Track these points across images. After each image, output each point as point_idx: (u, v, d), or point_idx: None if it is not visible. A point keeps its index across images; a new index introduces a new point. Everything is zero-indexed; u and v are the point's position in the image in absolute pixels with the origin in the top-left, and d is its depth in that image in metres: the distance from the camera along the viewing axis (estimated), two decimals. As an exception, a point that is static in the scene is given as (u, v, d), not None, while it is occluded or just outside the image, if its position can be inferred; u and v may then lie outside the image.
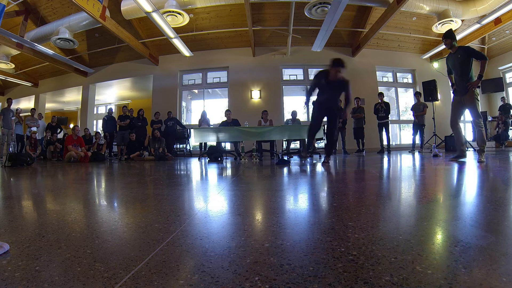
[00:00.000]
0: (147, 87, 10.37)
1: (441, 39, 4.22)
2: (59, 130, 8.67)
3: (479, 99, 3.51)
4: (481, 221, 0.99)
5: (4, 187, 2.44)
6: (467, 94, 3.47)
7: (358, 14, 8.04)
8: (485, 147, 3.48)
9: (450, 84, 3.82)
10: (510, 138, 7.86)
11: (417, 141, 7.19)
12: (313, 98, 4.04)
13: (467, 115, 3.70)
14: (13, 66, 9.24)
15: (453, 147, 6.26)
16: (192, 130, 7.38)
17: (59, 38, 7.13)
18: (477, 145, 3.57)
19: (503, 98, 8.53)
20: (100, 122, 9.49)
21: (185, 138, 8.70)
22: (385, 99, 7.66)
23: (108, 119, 8.27)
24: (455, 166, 3.01)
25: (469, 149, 6.30)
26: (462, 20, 7.45)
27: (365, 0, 6.96)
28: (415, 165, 3.52)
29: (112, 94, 12.44)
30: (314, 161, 4.76)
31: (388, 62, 9.48)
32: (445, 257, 0.69)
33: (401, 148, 8.93)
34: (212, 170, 3.74)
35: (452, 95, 3.82)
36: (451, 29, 3.79)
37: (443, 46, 8.37)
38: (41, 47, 7.40)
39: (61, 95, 11.82)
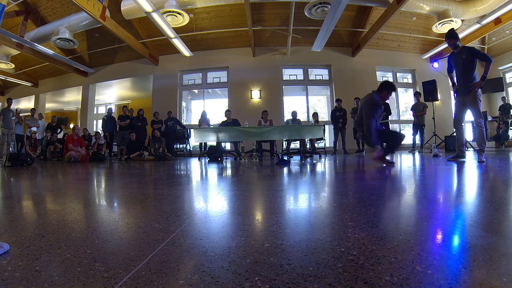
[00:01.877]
0: (147, 87, 10.38)
1: (441, 39, 4.25)
2: (59, 130, 8.66)
3: (481, 99, 3.51)
4: (481, 221, 0.99)
5: (4, 187, 2.44)
6: (470, 94, 3.48)
7: (358, 14, 8.05)
8: (485, 147, 3.49)
9: (451, 83, 3.81)
10: (510, 138, 7.86)
11: (417, 141, 7.20)
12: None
13: (468, 115, 3.69)
14: (13, 66, 9.24)
15: (453, 147, 6.26)
16: (192, 130, 7.38)
17: (59, 38, 7.13)
18: (477, 145, 3.57)
19: (503, 98, 8.52)
20: (100, 122, 9.51)
21: (185, 138, 8.71)
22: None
23: (108, 119, 8.28)
24: (455, 167, 3.01)
25: (469, 149, 6.30)
26: (462, 20, 7.44)
27: (365, 0, 6.96)
28: (415, 165, 3.52)
29: (112, 94, 12.44)
30: (314, 161, 4.76)
31: (388, 62, 9.48)
32: (445, 257, 0.69)
33: (401, 148, 8.91)
34: (212, 170, 3.74)
35: (452, 94, 3.80)
36: (453, 29, 3.75)
37: (443, 46, 8.43)
38: (41, 47, 7.40)
39: (61, 95, 11.83)
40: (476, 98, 3.44)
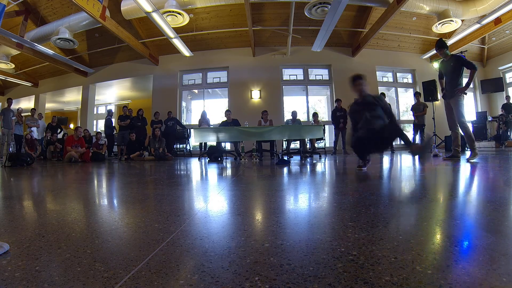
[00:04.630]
0: (147, 87, 10.38)
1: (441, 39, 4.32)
2: (59, 130, 8.67)
3: (463, 103, 3.68)
4: (481, 221, 0.99)
5: (4, 187, 2.44)
6: (453, 97, 3.71)
7: (358, 14, 8.05)
8: (475, 145, 3.62)
9: (440, 89, 4.05)
10: (510, 138, 7.84)
11: (418, 141, 7.19)
12: None
13: (467, 116, 3.80)
14: (13, 66, 9.24)
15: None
16: (192, 130, 7.38)
17: (59, 38, 7.13)
18: (467, 144, 3.78)
19: (507, 97, 8.47)
20: (100, 122, 9.50)
21: (185, 138, 8.70)
22: (385, 99, 7.66)
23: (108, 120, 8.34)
24: (454, 166, 3.01)
25: (468, 149, 6.30)
26: (462, 20, 7.44)
27: (365, 0, 6.96)
28: (415, 165, 3.52)
29: (112, 94, 12.44)
30: (314, 161, 4.76)
31: (388, 62, 9.48)
32: (445, 257, 0.69)
33: (401, 148, 8.92)
34: (212, 170, 3.74)
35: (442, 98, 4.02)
36: (442, 39, 4.00)
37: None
38: (41, 47, 7.40)
39: (61, 95, 11.83)
40: (458, 101, 3.66)
